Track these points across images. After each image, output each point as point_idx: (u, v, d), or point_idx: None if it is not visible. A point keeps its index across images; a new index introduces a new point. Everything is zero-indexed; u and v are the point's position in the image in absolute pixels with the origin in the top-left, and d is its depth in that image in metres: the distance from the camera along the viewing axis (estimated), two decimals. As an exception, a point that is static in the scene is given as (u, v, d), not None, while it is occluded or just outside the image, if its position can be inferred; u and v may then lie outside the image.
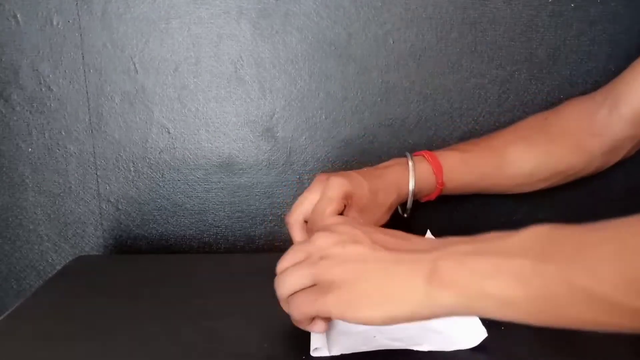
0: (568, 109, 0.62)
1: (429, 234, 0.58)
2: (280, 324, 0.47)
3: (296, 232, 0.53)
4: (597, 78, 0.66)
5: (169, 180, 0.71)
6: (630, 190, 0.70)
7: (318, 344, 0.43)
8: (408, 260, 0.37)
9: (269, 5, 0.65)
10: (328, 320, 0.42)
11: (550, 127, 0.61)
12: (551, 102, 0.67)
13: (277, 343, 0.45)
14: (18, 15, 0.66)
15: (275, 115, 0.69)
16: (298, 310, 0.41)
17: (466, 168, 0.58)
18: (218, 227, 0.72)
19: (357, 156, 0.69)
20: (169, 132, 0.69)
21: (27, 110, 0.69)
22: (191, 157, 0.70)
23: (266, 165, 0.70)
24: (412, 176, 0.56)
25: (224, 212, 0.72)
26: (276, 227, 0.72)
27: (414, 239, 0.41)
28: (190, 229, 0.73)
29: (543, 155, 0.60)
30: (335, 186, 0.51)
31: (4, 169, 0.71)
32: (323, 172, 0.55)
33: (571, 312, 0.31)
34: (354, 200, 0.52)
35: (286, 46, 0.66)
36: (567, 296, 0.31)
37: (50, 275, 0.69)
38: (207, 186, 0.71)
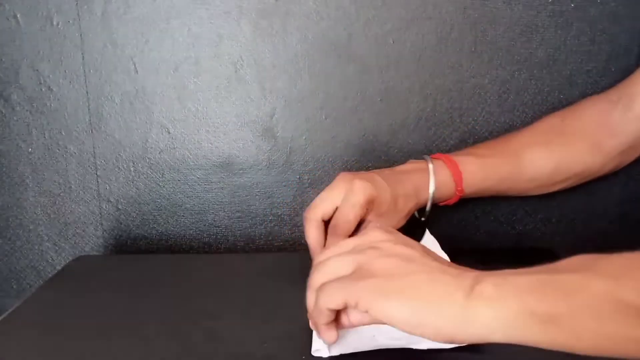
0: (584, 109, 0.61)
1: (427, 234, 0.57)
2: (280, 324, 0.47)
3: (312, 230, 0.51)
4: (597, 78, 0.66)
5: (169, 180, 0.71)
6: (631, 191, 0.70)
7: (319, 345, 0.43)
8: (453, 273, 0.36)
9: (269, 5, 0.65)
10: (341, 326, 0.41)
11: (567, 128, 0.60)
12: (551, 102, 0.67)
13: (277, 343, 0.45)
14: (18, 15, 0.66)
15: (275, 115, 0.69)
16: (327, 296, 0.38)
17: (485, 174, 0.58)
18: (218, 227, 0.72)
19: (357, 156, 0.69)
20: (169, 132, 0.69)
21: (27, 110, 0.69)
22: (191, 157, 0.70)
23: (266, 165, 0.70)
24: (432, 183, 0.55)
25: (224, 212, 0.72)
26: (276, 227, 0.72)
27: (460, 266, 0.39)
28: (190, 229, 0.73)
29: (561, 157, 0.59)
30: (360, 191, 0.50)
31: (4, 169, 0.71)
32: (345, 171, 0.54)
33: (617, 330, 0.30)
34: (375, 205, 0.51)
35: (286, 46, 0.66)
36: (614, 313, 0.30)
37: (50, 275, 0.69)
38: (207, 186, 0.71)
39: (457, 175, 0.57)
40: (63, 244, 0.74)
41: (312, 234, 0.51)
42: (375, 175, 0.53)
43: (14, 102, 0.69)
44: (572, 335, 0.31)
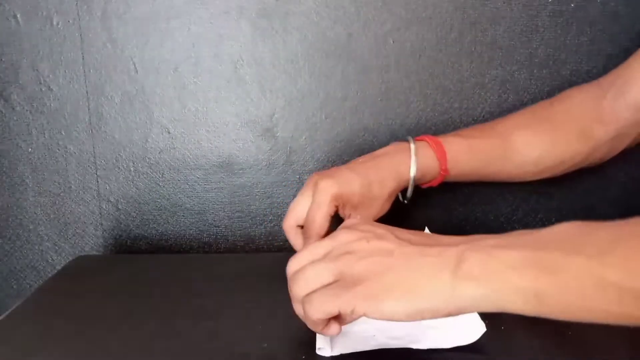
0: (573, 95, 0.61)
1: (427, 231, 0.57)
2: (280, 324, 0.47)
3: (292, 238, 0.53)
4: (597, 78, 0.66)
5: (169, 180, 0.71)
6: (630, 189, 0.70)
7: (322, 344, 0.43)
8: (434, 253, 0.36)
9: (269, 5, 0.65)
10: (342, 322, 0.41)
11: (556, 113, 0.60)
12: (551, 102, 0.67)
13: (277, 343, 0.45)
14: (18, 15, 0.66)
15: (275, 115, 0.69)
16: (318, 308, 0.38)
17: (471, 154, 0.57)
18: (218, 227, 0.72)
19: (357, 156, 0.69)
20: (169, 132, 0.69)
21: (27, 110, 0.69)
22: (191, 157, 0.70)
23: (266, 165, 0.70)
24: (414, 163, 0.54)
25: (224, 212, 0.72)
26: (276, 227, 0.72)
27: (437, 236, 0.40)
28: (190, 229, 0.73)
29: (549, 142, 0.58)
30: (324, 190, 0.50)
31: (4, 169, 0.71)
32: (317, 171, 0.55)
33: (600, 305, 0.31)
34: (344, 199, 0.51)
35: (286, 46, 0.66)
36: (596, 289, 0.31)
37: (50, 275, 0.69)
38: (207, 186, 0.71)
39: (441, 155, 0.55)
40: (63, 244, 0.74)
41: (294, 242, 0.53)
42: (342, 169, 0.53)
43: (14, 102, 0.69)
44: (555, 309, 0.33)
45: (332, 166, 0.70)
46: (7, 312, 0.51)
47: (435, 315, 0.35)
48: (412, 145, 0.55)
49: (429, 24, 0.65)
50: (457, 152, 0.56)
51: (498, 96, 0.68)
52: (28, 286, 0.75)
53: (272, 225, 0.72)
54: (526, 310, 0.33)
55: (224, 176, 0.71)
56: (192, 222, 0.72)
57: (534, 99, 0.67)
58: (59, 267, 0.70)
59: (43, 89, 0.68)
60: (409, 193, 0.56)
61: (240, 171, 0.71)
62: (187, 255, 0.70)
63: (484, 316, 0.36)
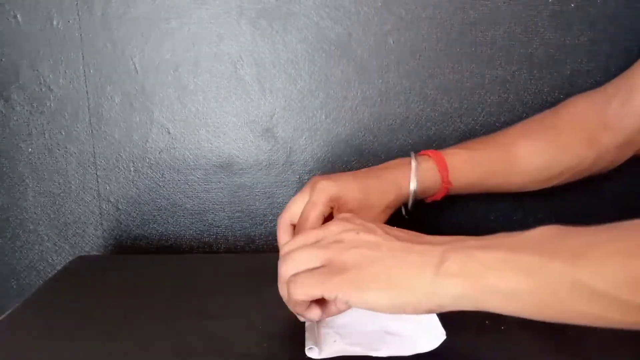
0: (578, 102, 0.60)
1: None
2: (280, 324, 0.47)
3: (281, 233, 0.53)
4: (597, 78, 0.66)
5: (169, 180, 0.71)
6: (627, 191, 0.70)
7: (311, 344, 0.43)
8: (418, 251, 0.38)
9: (269, 5, 0.65)
10: (327, 313, 0.42)
11: (559, 120, 0.59)
12: (551, 102, 0.67)
13: (277, 343, 0.45)
14: (18, 15, 0.66)
15: (275, 115, 0.69)
16: (301, 289, 0.40)
17: (473, 166, 0.57)
18: (218, 227, 0.72)
19: (357, 156, 0.69)
20: (169, 132, 0.69)
21: (27, 110, 0.69)
22: (191, 157, 0.70)
23: (266, 165, 0.70)
24: (414, 175, 0.55)
25: (224, 212, 0.72)
26: (276, 227, 0.72)
27: (425, 236, 0.41)
28: (190, 229, 0.73)
29: (553, 148, 0.58)
30: (320, 190, 0.51)
31: (4, 169, 0.71)
32: (320, 174, 0.55)
33: (574, 307, 0.32)
34: (341, 202, 0.52)
35: (286, 46, 0.66)
36: (570, 292, 0.32)
37: (50, 275, 0.69)
38: (207, 186, 0.71)
39: (443, 167, 0.56)
40: (63, 244, 0.74)
41: (281, 238, 0.53)
42: (344, 175, 0.54)
43: (14, 102, 0.69)
44: (532, 309, 0.34)
45: (332, 166, 0.70)
46: (7, 312, 0.51)
47: (417, 309, 0.37)
48: (413, 159, 0.56)
49: (429, 24, 0.65)
50: (459, 164, 0.56)
51: (498, 96, 0.68)
52: (28, 286, 0.75)
53: (272, 225, 0.72)
54: (503, 309, 0.35)
55: (224, 176, 0.71)
56: (192, 222, 0.72)
57: (534, 99, 0.67)
58: (59, 267, 0.70)
59: (43, 89, 0.68)
60: (409, 206, 0.56)
61: (240, 171, 0.71)
62: (187, 255, 0.70)
63: (487, 315, 0.36)
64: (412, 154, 0.57)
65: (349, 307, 0.41)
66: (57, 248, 0.74)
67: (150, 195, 0.72)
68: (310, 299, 0.41)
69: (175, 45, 0.67)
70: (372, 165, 0.69)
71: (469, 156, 0.57)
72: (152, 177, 0.71)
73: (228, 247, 0.73)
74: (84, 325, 0.48)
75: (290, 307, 0.43)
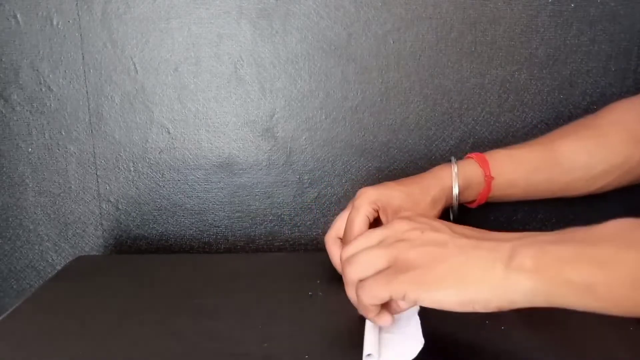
0: (619, 105, 0.59)
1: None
2: (280, 324, 0.47)
3: (330, 249, 0.54)
4: (597, 78, 0.66)
5: (169, 180, 0.71)
6: (632, 191, 0.70)
7: (371, 350, 0.40)
8: (487, 247, 0.37)
9: (269, 5, 0.65)
10: (393, 311, 0.41)
11: (601, 120, 0.58)
12: (551, 102, 0.67)
13: (277, 343, 0.45)
14: (18, 15, 0.66)
15: (275, 115, 0.69)
16: (370, 293, 0.39)
17: (516, 163, 0.57)
18: (218, 227, 0.72)
19: (357, 156, 0.69)
20: (169, 132, 0.69)
21: (27, 110, 0.69)
22: (191, 157, 0.70)
23: (266, 165, 0.70)
24: (454, 175, 0.55)
25: (224, 212, 0.72)
26: (276, 227, 0.72)
27: (491, 232, 0.40)
28: (190, 229, 0.73)
29: (596, 146, 0.57)
30: (364, 196, 0.51)
31: (4, 169, 0.71)
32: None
33: None
34: (384, 202, 0.52)
35: (286, 46, 0.66)
36: None
37: (50, 275, 0.69)
38: (207, 186, 0.71)
39: (483, 163, 0.56)
40: (63, 244, 0.74)
41: (333, 252, 0.53)
42: (390, 183, 0.54)
43: (14, 102, 0.69)
44: (608, 303, 0.33)
45: (332, 166, 0.70)
46: (7, 312, 0.51)
47: (486, 307, 0.35)
48: (453, 158, 0.57)
49: (429, 24, 0.65)
50: (500, 161, 0.56)
51: (498, 96, 0.68)
52: (28, 286, 0.75)
53: (272, 225, 0.72)
54: (578, 304, 0.33)
55: (224, 176, 0.71)
56: (192, 222, 0.72)
57: (534, 99, 0.67)
58: (59, 267, 0.70)
59: (43, 89, 0.68)
60: (455, 200, 0.56)
61: (240, 171, 0.71)
62: (187, 255, 0.70)
63: (485, 316, 0.36)
64: (454, 159, 0.57)
65: (410, 306, 0.40)
66: (57, 248, 0.74)
67: (150, 195, 0.72)
68: (381, 302, 0.39)
69: (175, 45, 0.67)
70: (372, 164, 0.70)
71: (509, 154, 0.57)
72: (152, 177, 0.71)
73: (228, 247, 0.73)
74: (84, 325, 0.48)
75: (361, 312, 0.41)
